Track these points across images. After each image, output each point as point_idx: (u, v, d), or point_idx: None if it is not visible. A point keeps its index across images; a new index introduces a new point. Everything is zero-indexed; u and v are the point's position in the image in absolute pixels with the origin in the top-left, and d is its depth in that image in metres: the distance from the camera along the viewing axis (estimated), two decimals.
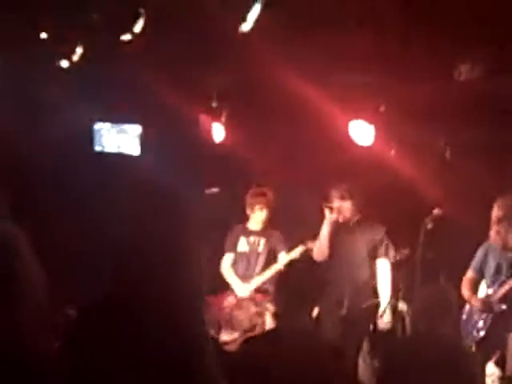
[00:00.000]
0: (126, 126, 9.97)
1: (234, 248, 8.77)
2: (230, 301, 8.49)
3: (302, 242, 8.36)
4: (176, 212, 2.09)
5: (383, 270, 7.87)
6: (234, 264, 8.78)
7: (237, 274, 8.69)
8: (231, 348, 7.45)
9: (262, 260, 8.67)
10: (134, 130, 9.84)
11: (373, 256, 7.89)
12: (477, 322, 7.13)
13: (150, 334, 1.87)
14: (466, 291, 7.34)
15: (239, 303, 8.38)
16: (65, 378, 1.97)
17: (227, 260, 8.76)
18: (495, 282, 7.15)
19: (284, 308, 4.80)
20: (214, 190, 8.81)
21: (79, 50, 8.28)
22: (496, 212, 7.07)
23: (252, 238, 8.73)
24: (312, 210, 8.34)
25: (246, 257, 8.72)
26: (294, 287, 4.76)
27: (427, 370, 5.25)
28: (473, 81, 7.37)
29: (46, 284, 2.38)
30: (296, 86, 7.85)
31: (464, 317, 7.28)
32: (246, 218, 8.82)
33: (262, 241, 8.70)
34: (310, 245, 8.23)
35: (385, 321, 7.78)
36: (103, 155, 9.93)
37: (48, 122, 9.34)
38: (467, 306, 7.33)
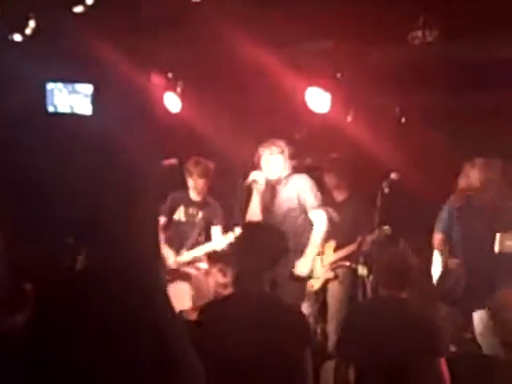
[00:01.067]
0: (78, 86, 9.91)
1: (169, 214, 8.61)
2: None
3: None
4: (125, 172, 2.06)
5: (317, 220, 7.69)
6: (166, 230, 8.61)
7: (168, 241, 8.52)
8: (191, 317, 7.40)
9: (196, 232, 8.57)
10: (86, 89, 9.78)
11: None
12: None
13: (115, 301, 1.85)
14: (440, 251, 7.46)
15: (207, 272, 8.29)
16: (25, 355, 1.93)
17: (161, 231, 8.46)
18: None
19: (241, 270, 4.77)
20: (173, 160, 8.71)
21: (32, 24, 8.19)
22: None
23: (191, 209, 8.61)
24: None
25: (181, 226, 8.60)
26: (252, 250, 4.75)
27: (386, 334, 5.29)
28: (427, 45, 7.40)
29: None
30: (252, 55, 7.83)
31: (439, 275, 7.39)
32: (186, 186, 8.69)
33: (200, 213, 8.58)
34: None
35: (300, 268, 7.58)
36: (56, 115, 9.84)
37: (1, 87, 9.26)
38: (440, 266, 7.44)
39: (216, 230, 8.49)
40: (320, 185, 8.03)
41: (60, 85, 10.04)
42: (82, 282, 1.89)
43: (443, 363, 5.30)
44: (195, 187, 8.48)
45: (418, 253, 7.50)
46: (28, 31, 8.19)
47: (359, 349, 5.38)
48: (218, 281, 7.95)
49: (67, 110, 9.88)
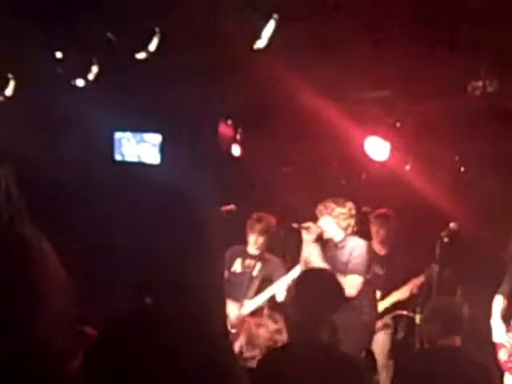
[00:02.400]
0: (146, 135, 10.06)
1: (227, 268, 8.58)
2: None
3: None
4: (198, 223, 2.10)
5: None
6: (227, 282, 8.47)
7: (228, 295, 8.48)
8: (252, 365, 7.43)
9: (255, 285, 8.51)
10: (154, 139, 9.93)
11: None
12: None
13: (177, 352, 1.88)
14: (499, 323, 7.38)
15: (258, 321, 8.31)
16: None
17: None
18: None
19: (302, 319, 4.81)
20: (232, 206, 8.77)
21: (94, 69, 8.34)
22: None
23: (248, 261, 8.59)
24: None
25: (237, 278, 8.57)
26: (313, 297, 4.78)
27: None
28: (486, 96, 7.42)
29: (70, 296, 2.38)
30: (311, 104, 7.90)
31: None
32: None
33: (258, 265, 8.55)
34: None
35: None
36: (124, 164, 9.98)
37: (71, 135, 9.44)
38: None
39: (278, 285, 8.32)
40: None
41: (128, 134, 10.22)
42: (142, 331, 1.91)
43: None
44: (255, 243, 8.51)
45: (475, 302, 7.49)
46: (91, 76, 8.33)
47: None
48: (269, 328, 7.97)
49: (135, 159, 10.03)
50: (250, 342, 8.09)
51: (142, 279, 2.13)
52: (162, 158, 9.82)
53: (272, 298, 8.28)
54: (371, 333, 7.81)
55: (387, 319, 8.42)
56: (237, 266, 8.61)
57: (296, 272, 7.93)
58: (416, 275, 8.45)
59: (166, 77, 7.89)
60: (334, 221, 7.60)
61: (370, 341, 7.80)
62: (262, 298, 8.37)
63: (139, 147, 10.12)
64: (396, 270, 8.47)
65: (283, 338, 8.04)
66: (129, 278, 2.16)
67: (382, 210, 8.68)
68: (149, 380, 1.83)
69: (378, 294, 8.28)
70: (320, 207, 7.68)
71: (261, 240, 8.47)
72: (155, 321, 1.94)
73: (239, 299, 8.40)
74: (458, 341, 5.54)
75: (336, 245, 7.66)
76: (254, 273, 8.52)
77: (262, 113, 8.69)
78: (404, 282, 8.49)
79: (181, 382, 1.82)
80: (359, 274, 7.47)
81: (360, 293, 7.38)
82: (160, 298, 2.08)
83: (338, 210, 7.62)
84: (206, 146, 9.22)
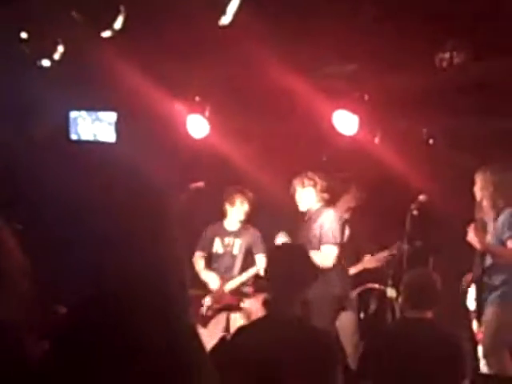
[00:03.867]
0: (102, 114, 9.98)
1: (208, 248, 8.62)
2: (206, 301, 8.33)
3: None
4: (158, 204, 2.07)
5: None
6: (209, 265, 8.60)
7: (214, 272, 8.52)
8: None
9: (238, 264, 8.51)
10: (110, 118, 9.85)
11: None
12: None
13: (142, 330, 1.85)
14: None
15: (217, 300, 8.28)
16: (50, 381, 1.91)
17: (201, 260, 8.58)
18: None
19: (275, 294, 4.80)
20: (200, 184, 8.73)
21: (60, 49, 8.23)
22: None
23: (227, 239, 8.57)
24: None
25: (220, 259, 8.56)
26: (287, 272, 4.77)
27: (412, 356, 5.29)
28: (453, 68, 7.42)
29: (31, 278, 2.35)
30: (278, 79, 7.86)
31: None
32: (222, 216, 8.67)
33: (237, 242, 8.53)
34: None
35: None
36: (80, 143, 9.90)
37: (28, 115, 9.33)
38: None
39: (260, 258, 8.31)
40: None
41: (84, 113, 10.12)
42: (102, 312, 1.88)
43: None
44: (237, 215, 8.44)
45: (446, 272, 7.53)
46: (56, 56, 8.21)
47: (384, 370, 5.39)
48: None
49: (90, 138, 9.94)
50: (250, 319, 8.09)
51: (97, 262, 2.10)
52: (118, 137, 9.73)
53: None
54: (341, 306, 7.81)
55: (353, 294, 8.42)
56: (217, 247, 8.54)
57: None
58: (384, 248, 8.48)
59: (130, 56, 7.80)
60: (315, 193, 7.66)
61: (337, 315, 7.81)
62: (244, 277, 8.35)
63: (95, 126, 10.06)
64: (364, 242, 8.48)
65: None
66: (85, 259, 2.13)
67: (343, 175, 8.66)
68: (110, 366, 1.80)
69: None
70: (302, 179, 7.72)
71: (242, 212, 8.40)
72: (113, 305, 1.91)
73: (225, 280, 8.37)
74: (430, 313, 5.57)
75: (311, 217, 7.69)
76: (235, 251, 8.46)
77: (231, 90, 8.63)
78: (372, 254, 8.53)
79: (144, 364, 1.80)
80: (333, 244, 7.51)
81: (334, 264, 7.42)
82: (116, 281, 2.05)
83: (320, 182, 7.69)
84: (163, 124, 9.13)
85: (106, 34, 7.24)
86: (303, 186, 7.74)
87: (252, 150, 9.21)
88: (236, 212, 8.46)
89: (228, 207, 8.51)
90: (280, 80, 7.85)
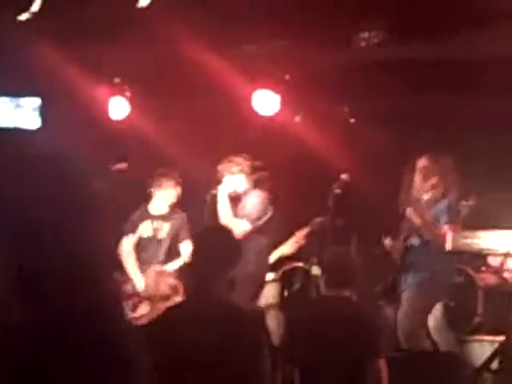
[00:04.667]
0: (23, 100, 9.73)
1: (135, 230, 8.36)
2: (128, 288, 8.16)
3: None
4: (82, 190, 2.02)
5: None
6: (137, 248, 8.35)
7: (139, 259, 8.26)
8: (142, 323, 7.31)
9: (164, 248, 8.30)
10: (32, 103, 9.62)
11: None
12: None
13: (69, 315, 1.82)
14: None
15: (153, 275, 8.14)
16: None
17: (128, 243, 8.31)
18: None
19: (200, 275, 4.77)
20: (123, 165, 8.60)
21: None
22: None
23: (155, 223, 8.34)
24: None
25: (147, 243, 8.32)
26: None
27: (329, 333, 5.35)
28: (372, 47, 7.48)
29: None
30: (198, 59, 7.81)
31: None
32: (147, 199, 8.44)
33: (166, 226, 8.32)
34: None
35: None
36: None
37: None
38: None
39: (185, 246, 8.14)
40: None
41: (5, 99, 9.86)
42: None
43: (382, 363, 5.37)
44: (164, 200, 8.27)
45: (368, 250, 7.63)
46: None
47: (303, 348, 5.44)
48: (166, 282, 7.93)
49: (10, 125, 9.68)
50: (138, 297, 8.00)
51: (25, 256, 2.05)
52: (42, 123, 9.52)
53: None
54: (259, 283, 7.80)
55: (274, 274, 8.42)
56: (144, 231, 8.35)
57: None
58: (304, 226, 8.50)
59: (48, 39, 7.66)
60: (244, 177, 7.64)
61: (259, 292, 7.81)
62: (170, 267, 8.19)
63: (16, 112, 9.80)
64: (283, 223, 8.46)
65: (176, 296, 8.01)
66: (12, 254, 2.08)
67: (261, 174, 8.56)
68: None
69: None
70: (230, 166, 7.66)
71: (173, 195, 8.23)
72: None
73: (149, 265, 8.18)
74: (347, 292, 5.63)
75: (240, 198, 7.69)
76: (162, 235, 8.28)
77: (150, 70, 8.55)
78: (289, 236, 8.51)
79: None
80: (248, 220, 7.52)
81: (247, 241, 7.38)
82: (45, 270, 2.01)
83: (247, 164, 7.66)
84: (86, 107, 8.99)
85: (23, 16, 7.10)
86: (232, 173, 7.66)
87: (173, 130, 9.16)
88: (167, 195, 8.28)
89: (156, 190, 8.31)
90: (199, 60, 7.81)
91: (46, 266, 1.99)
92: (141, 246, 8.29)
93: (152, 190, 8.29)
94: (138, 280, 8.12)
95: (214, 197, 7.70)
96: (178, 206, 8.38)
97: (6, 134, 1.84)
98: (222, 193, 7.66)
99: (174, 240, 8.23)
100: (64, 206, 2.02)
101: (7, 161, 1.72)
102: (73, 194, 2.03)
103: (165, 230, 8.25)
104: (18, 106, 9.77)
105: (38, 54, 7.86)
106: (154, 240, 8.27)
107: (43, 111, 9.57)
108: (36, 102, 9.64)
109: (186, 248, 7.96)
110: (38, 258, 2.00)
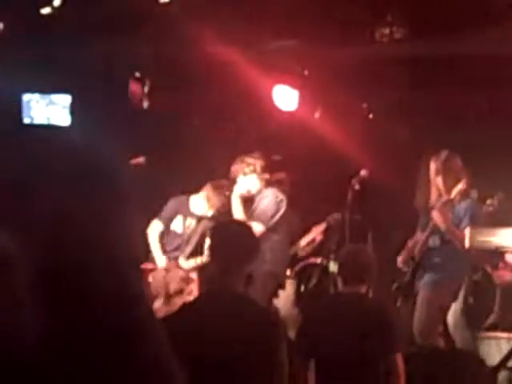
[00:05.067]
0: (55, 97, 9.76)
1: (167, 220, 8.40)
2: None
3: None
4: (113, 186, 2.03)
5: None
6: (162, 237, 8.39)
7: (163, 249, 8.32)
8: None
9: (190, 247, 8.31)
10: (64, 100, 9.65)
11: None
12: None
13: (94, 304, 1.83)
14: None
15: (167, 267, 8.16)
16: None
17: (156, 228, 8.36)
18: None
19: (218, 270, 4.77)
20: (141, 159, 8.60)
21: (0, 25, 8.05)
22: None
23: (189, 221, 8.35)
24: None
25: (177, 237, 8.36)
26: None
27: (345, 330, 5.35)
28: (393, 43, 7.47)
29: None
30: (219, 54, 7.83)
31: None
32: (189, 192, 8.44)
33: (199, 227, 8.30)
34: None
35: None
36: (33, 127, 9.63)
37: None
38: None
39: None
40: None
41: (37, 96, 9.90)
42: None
43: (399, 359, 5.37)
44: (212, 205, 8.32)
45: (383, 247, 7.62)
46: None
47: (319, 345, 5.45)
48: (177, 274, 7.94)
49: (44, 122, 9.71)
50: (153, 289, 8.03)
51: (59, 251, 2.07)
52: (73, 120, 9.56)
53: None
54: (276, 282, 7.83)
55: (290, 270, 8.42)
56: (177, 225, 8.36)
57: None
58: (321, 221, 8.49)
59: (74, 34, 7.68)
60: (256, 177, 7.65)
61: (275, 291, 7.84)
62: (191, 264, 8.22)
63: (49, 109, 9.85)
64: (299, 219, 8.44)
65: (191, 287, 8.02)
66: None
67: (278, 176, 8.53)
68: None
69: None
70: (243, 167, 7.68)
71: (220, 204, 8.18)
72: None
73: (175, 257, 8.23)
74: (363, 289, 5.63)
75: (253, 197, 7.71)
76: (192, 235, 8.29)
77: (170, 65, 8.56)
78: (306, 232, 8.50)
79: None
80: (261, 223, 7.53)
81: (262, 241, 7.40)
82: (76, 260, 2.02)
83: (259, 164, 7.67)
84: (119, 104, 9.02)
85: (46, 10, 7.12)
86: (244, 174, 7.68)
87: (192, 125, 9.18)
88: (216, 201, 8.28)
89: (209, 194, 8.31)
90: (220, 56, 7.83)
91: (81, 261, 2.01)
92: (168, 237, 8.32)
93: (205, 190, 8.26)
94: (160, 259, 8.21)
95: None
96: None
97: (39, 130, 1.85)
98: (235, 194, 7.70)
99: (202, 239, 8.23)
100: (96, 201, 2.04)
101: (40, 157, 1.74)
102: (104, 189, 2.04)
103: (197, 230, 8.25)
104: (50, 102, 9.79)
105: (69, 50, 7.90)
106: (183, 236, 8.30)
107: (74, 108, 9.58)
108: (67, 99, 9.66)
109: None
110: (69, 253, 2.02)
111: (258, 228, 7.45)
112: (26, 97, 9.90)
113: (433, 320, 7.11)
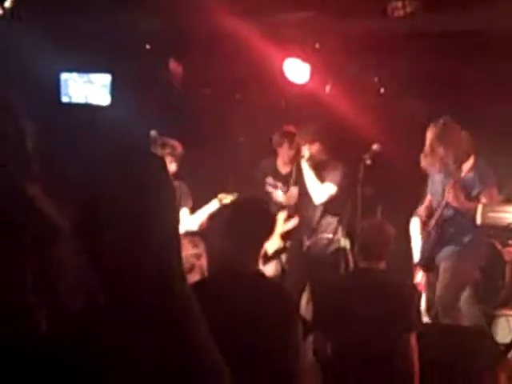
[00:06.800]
0: (93, 76, 9.71)
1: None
2: None
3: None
4: (150, 165, 2.04)
5: None
6: None
7: None
8: None
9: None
10: (102, 80, 9.61)
11: None
12: None
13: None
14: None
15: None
16: None
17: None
18: None
19: (236, 247, 4.74)
20: (153, 133, 8.53)
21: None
22: None
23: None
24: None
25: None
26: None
27: (363, 306, 5.35)
28: (405, 17, 7.42)
29: None
30: (230, 26, 7.77)
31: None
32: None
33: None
34: (222, 198, 8.09)
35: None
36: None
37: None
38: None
39: (183, 212, 8.14)
40: None
41: (75, 75, 9.83)
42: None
43: (413, 338, 5.37)
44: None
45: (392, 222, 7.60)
46: (7, 4, 7.96)
47: (337, 320, 5.45)
48: (188, 252, 7.94)
49: (82, 101, 9.65)
50: None
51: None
52: (112, 99, 9.48)
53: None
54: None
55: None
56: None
57: (214, 204, 8.03)
58: None
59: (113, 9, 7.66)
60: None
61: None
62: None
63: (86, 88, 9.78)
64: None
65: (201, 263, 8.03)
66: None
67: (288, 128, 8.50)
68: None
69: (284, 213, 8.31)
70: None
71: (172, 168, 8.18)
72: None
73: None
74: (382, 264, 5.63)
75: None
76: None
77: (182, 39, 8.50)
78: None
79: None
80: (334, 183, 8.08)
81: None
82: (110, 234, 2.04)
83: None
84: (159, 85, 9.00)
85: None
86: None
87: (205, 96, 9.15)
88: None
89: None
90: (232, 27, 7.77)
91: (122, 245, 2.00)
92: None
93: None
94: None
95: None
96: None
97: (77, 109, 1.86)
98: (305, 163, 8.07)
99: None
100: (134, 182, 2.03)
101: (79, 133, 1.74)
102: (142, 170, 2.03)
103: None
104: (88, 81, 9.73)
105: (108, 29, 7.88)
106: None
107: (113, 87, 9.53)
108: (106, 78, 9.60)
109: (185, 215, 8.16)
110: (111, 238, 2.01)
111: (333, 190, 7.82)
112: (63, 75, 9.84)
113: (452, 293, 7.07)
